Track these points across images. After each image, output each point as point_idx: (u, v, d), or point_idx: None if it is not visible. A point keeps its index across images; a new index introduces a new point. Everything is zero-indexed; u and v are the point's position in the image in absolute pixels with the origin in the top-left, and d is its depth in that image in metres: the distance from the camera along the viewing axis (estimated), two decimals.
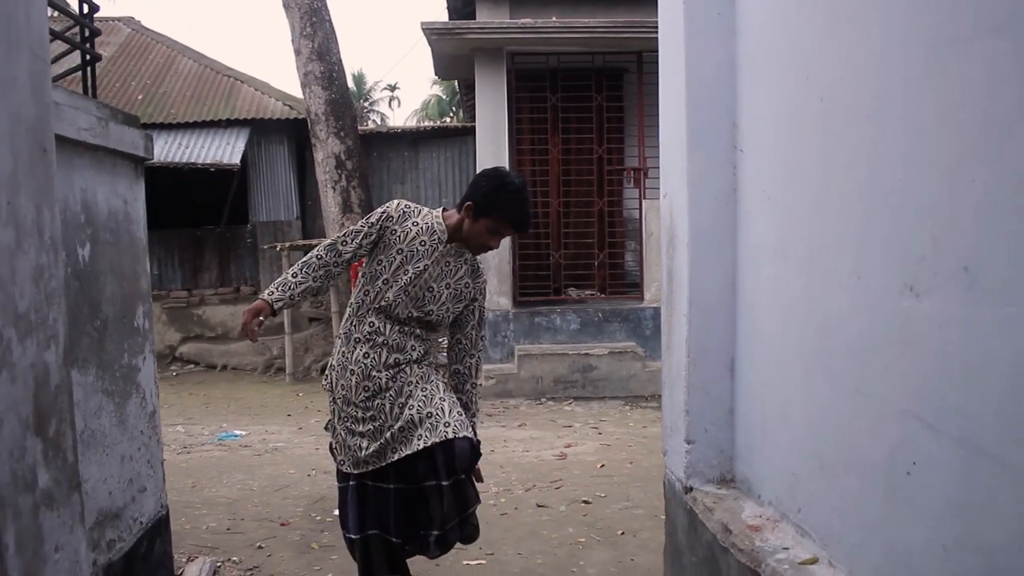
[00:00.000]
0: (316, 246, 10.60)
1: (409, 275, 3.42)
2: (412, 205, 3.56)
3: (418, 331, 3.52)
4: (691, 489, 3.39)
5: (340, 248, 3.48)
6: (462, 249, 3.54)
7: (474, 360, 3.67)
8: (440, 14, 16.16)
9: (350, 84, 15.13)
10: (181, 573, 4.04)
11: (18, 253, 1.46)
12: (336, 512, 5.71)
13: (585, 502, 5.80)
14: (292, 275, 3.46)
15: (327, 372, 3.64)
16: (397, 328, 3.45)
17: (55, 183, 1.61)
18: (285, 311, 11.92)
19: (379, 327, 3.44)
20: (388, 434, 3.40)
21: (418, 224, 3.48)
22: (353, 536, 3.63)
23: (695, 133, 3.32)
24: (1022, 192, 1.61)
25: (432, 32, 9.73)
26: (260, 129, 13.44)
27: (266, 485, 6.64)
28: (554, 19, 10.07)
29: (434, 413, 3.39)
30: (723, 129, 3.30)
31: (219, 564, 4.68)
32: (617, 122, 10.48)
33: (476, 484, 3.61)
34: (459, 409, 3.49)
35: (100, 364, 2.71)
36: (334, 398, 3.58)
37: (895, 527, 2.14)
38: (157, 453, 3.20)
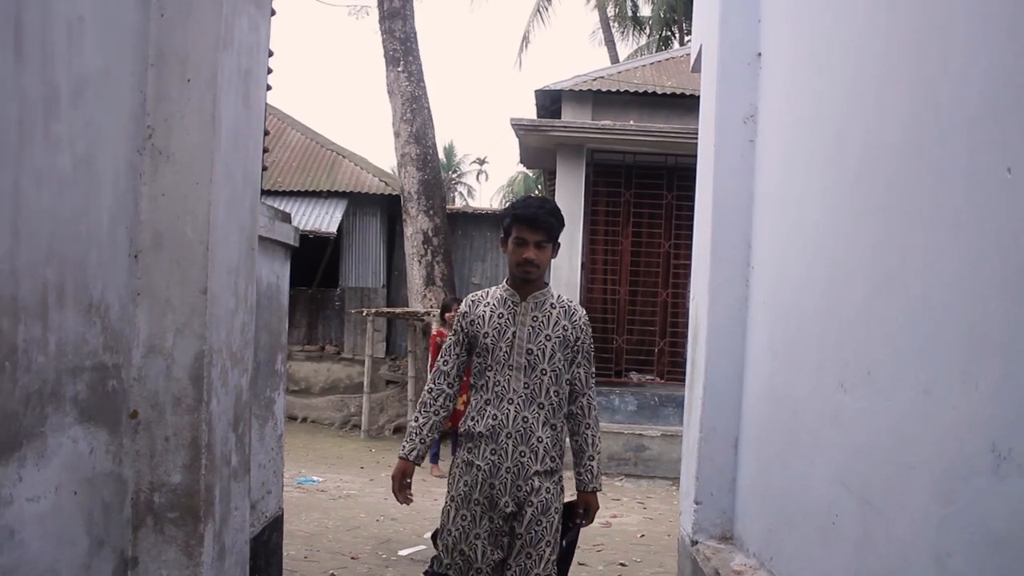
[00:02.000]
0: (399, 313, 11.34)
1: (503, 349, 3.36)
2: (477, 293, 3.58)
3: (543, 408, 3.37)
4: (696, 543, 4.11)
5: (444, 369, 3.49)
6: (542, 298, 3.44)
7: (585, 399, 3.50)
8: (528, 101, 17.29)
9: (440, 155, 16.26)
10: None
11: (235, 314, 2.35)
12: (403, 552, 6.52)
13: (621, 564, 6.45)
14: (415, 420, 3.47)
15: (451, 468, 3.51)
16: (522, 416, 3.32)
17: (254, 268, 2.51)
18: (366, 374, 13.00)
19: (502, 419, 3.33)
20: (505, 540, 3.32)
21: (488, 303, 3.47)
22: None
23: (717, 251, 4.13)
24: (906, 324, 2.41)
25: (520, 128, 10.73)
26: (356, 201, 14.58)
27: (339, 525, 7.43)
28: (632, 122, 10.99)
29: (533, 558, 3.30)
30: (740, 249, 4.10)
31: None
32: (686, 219, 11.23)
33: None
34: (553, 559, 3.35)
35: (253, 395, 3.53)
36: (452, 496, 3.40)
37: (827, 562, 2.87)
38: (280, 466, 4.03)
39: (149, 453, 2.26)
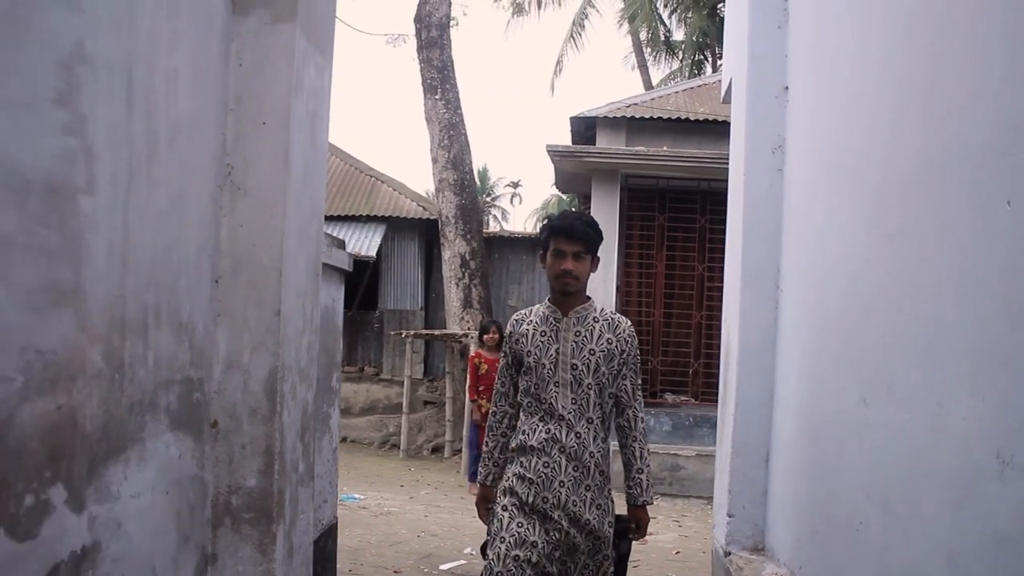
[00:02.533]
0: (437, 335, 11.56)
1: (547, 367, 3.34)
2: (521, 312, 3.57)
3: (592, 423, 3.35)
4: (729, 554, 4.28)
5: (503, 391, 3.52)
6: (584, 312, 3.42)
7: (632, 411, 3.46)
8: (561, 125, 17.54)
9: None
10: None
11: (303, 334, 2.59)
12: (444, 567, 6.73)
13: None
14: (486, 445, 3.53)
15: (501, 484, 3.46)
16: (574, 432, 3.31)
17: (319, 292, 2.75)
18: (405, 395, 13.25)
19: (555, 433, 3.31)
20: (557, 554, 3.29)
21: (532, 321, 3.46)
22: None
23: (747, 275, 4.33)
24: (920, 344, 2.60)
25: (556, 154, 10.98)
26: (394, 225, 14.90)
27: (381, 540, 7.66)
28: (665, 148, 11.20)
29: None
30: (769, 273, 4.29)
31: None
32: (719, 243, 11.41)
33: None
34: None
35: (315, 409, 3.80)
36: (504, 505, 3.37)
37: (852, 568, 3.04)
38: (335, 478, 4.26)
39: (228, 459, 2.50)
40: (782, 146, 4.36)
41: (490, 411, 3.56)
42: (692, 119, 11.72)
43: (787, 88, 4.37)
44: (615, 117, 11.93)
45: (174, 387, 2.26)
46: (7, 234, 1.53)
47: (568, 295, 3.41)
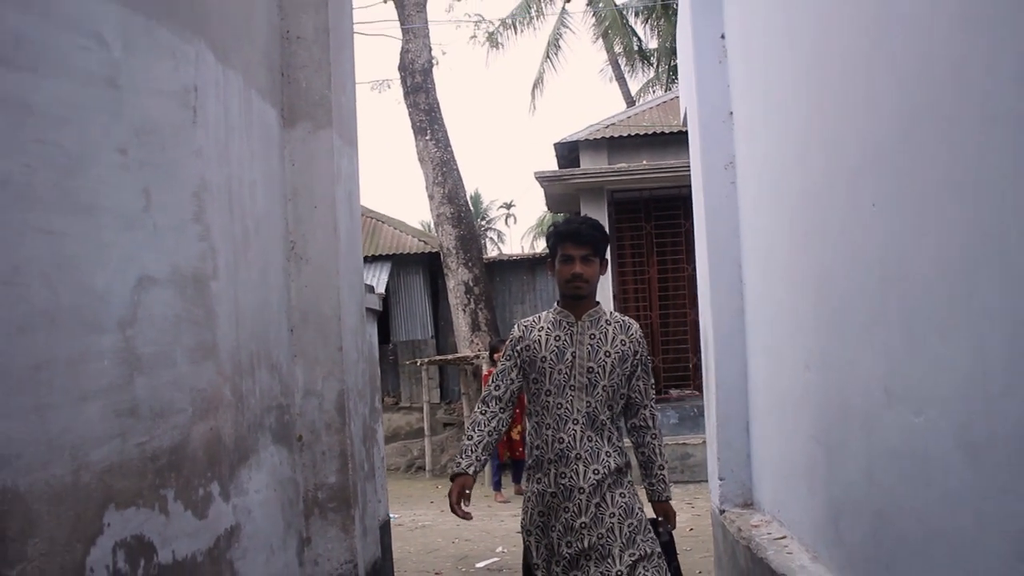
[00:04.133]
0: (450, 360, 12.30)
1: (563, 371, 3.35)
2: (529, 319, 3.56)
3: (605, 426, 3.39)
4: (724, 511, 5.02)
5: (496, 393, 3.45)
6: (596, 315, 3.45)
7: (648, 411, 3.52)
8: (546, 144, 18.30)
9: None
10: None
11: (358, 363, 3.37)
12: (479, 565, 7.46)
13: None
14: (468, 439, 3.43)
15: (523, 504, 3.50)
16: (587, 436, 3.33)
17: (365, 329, 3.52)
18: (425, 419, 13.97)
19: (569, 441, 3.32)
20: (590, 564, 3.26)
21: (543, 327, 3.44)
22: None
23: (714, 273, 5.09)
24: (837, 319, 3.36)
25: (544, 179, 11.79)
26: (399, 262, 15.69)
27: (420, 550, 8.39)
28: (644, 162, 12.00)
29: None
30: (732, 270, 5.05)
31: None
32: None
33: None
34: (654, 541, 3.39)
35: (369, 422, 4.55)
36: (528, 530, 3.43)
37: (809, 501, 3.78)
38: (384, 481, 5.01)
39: (312, 464, 3.26)
40: (732, 162, 5.13)
41: (477, 408, 3.48)
42: (668, 132, 12.51)
43: (732, 113, 5.15)
44: (596, 139, 12.74)
45: (272, 411, 3.02)
46: (177, 312, 2.30)
47: (579, 299, 3.43)
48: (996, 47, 1.95)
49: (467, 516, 3.33)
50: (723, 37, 5.13)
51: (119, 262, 2.02)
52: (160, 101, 2.28)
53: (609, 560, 3.23)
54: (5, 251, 1.62)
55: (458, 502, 3.33)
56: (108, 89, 2.02)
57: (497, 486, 11.22)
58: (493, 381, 3.49)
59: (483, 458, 3.39)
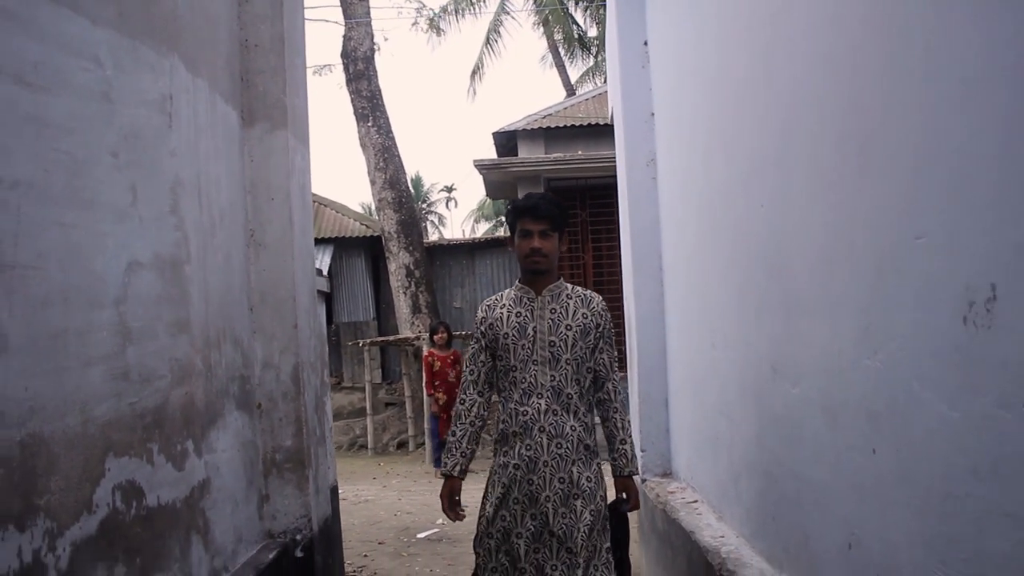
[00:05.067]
0: (391, 341, 12.60)
1: (525, 346, 3.35)
2: (491, 298, 3.56)
3: (572, 398, 3.36)
4: (645, 480, 5.49)
5: (471, 378, 3.49)
6: (557, 290, 3.45)
7: (611, 384, 3.50)
8: (485, 128, 18.66)
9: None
10: None
11: (310, 339, 3.75)
12: (420, 535, 7.87)
13: None
14: (452, 435, 3.47)
15: (488, 475, 3.49)
16: (552, 409, 3.32)
17: (316, 309, 3.89)
18: (367, 399, 14.32)
19: (533, 414, 3.31)
20: (551, 540, 3.26)
21: (504, 304, 3.45)
22: None
23: (636, 262, 5.55)
24: (730, 306, 3.82)
25: (483, 167, 12.18)
26: (341, 245, 15.97)
27: (363, 521, 8.78)
28: (580, 152, 12.45)
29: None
30: (653, 260, 5.51)
31: None
32: None
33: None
34: (607, 545, 3.38)
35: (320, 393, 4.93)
36: (490, 500, 3.39)
37: (715, 466, 4.26)
38: (332, 449, 5.35)
39: (270, 428, 3.63)
40: (653, 160, 5.58)
41: (458, 399, 3.52)
42: (603, 124, 12.96)
43: (653, 114, 5.59)
44: (533, 129, 13.15)
45: (235, 381, 3.38)
46: (159, 292, 2.65)
47: (539, 274, 3.43)
48: (848, 83, 2.42)
49: (460, 517, 3.46)
50: (646, 44, 5.57)
51: (113, 249, 2.38)
52: (143, 110, 2.63)
53: (571, 548, 3.23)
54: (31, 240, 1.97)
55: (449, 508, 3.43)
56: (103, 102, 2.38)
57: (438, 463, 11.63)
58: (468, 366, 3.53)
59: (468, 451, 3.43)
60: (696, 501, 4.65)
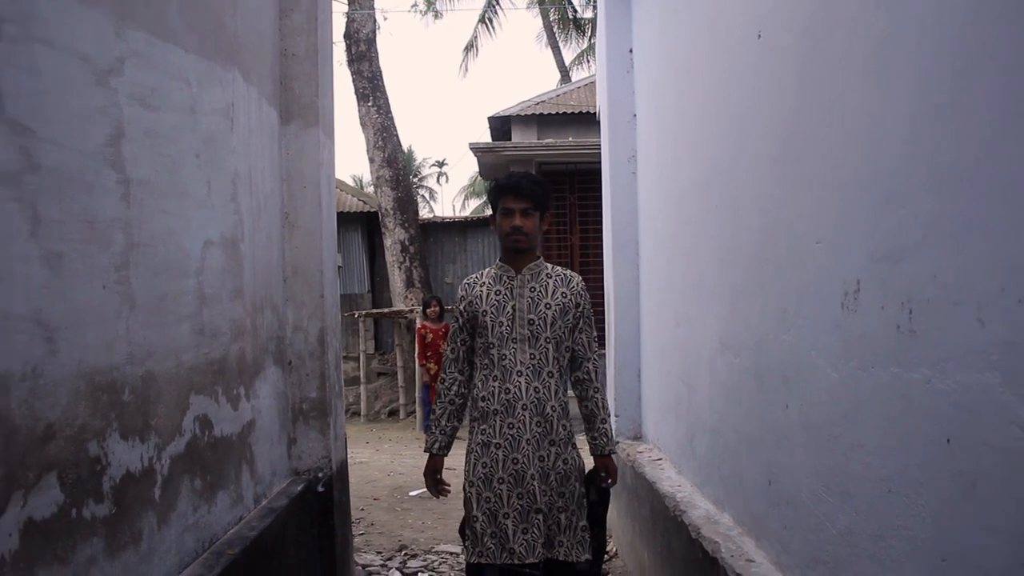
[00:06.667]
0: (386, 313, 13.22)
1: (504, 324, 3.35)
2: (472, 276, 3.57)
3: (552, 376, 3.37)
4: (618, 443, 6.16)
5: (452, 356, 3.51)
6: (537, 269, 3.45)
7: (591, 363, 3.53)
8: (482, 104, 19.12)
9: None
10: None
11: (333, 307, 4.39)
12: (412, 493, 8.55)
13: None
14: (433, 413, 3.50)
15: (466, 455, 3.46)
16: (533, 387, 3.32)
17: (336, 282, 4.52)
18: (361, 368, 14.95)
19: (515, 392, 3.31)
20: (537, 517, 3.27)
21: (484, 283, 3.46)
22: None
23: (616, 246, 6.19)
24: (698, 288, 4.48)
25: (478, 150, 12.79)
26: (339, 220, 16.47)
27: (359, 480, 9.42)
28: (570, 138, 13.07)
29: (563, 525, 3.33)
30: (631, 245, 6.15)
31: None
32: None
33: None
34: (583, 523, 3.40)
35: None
36: (471, 481, 3.37)
37: (676, 430, 4.92)
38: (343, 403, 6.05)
39: (299, 383, 4.27)
40: (634, 156, 6.21)
41: (440, 377, 3.54)
42: (593, 112, 13.56)
43: (635, 115, 6.22)
44: (527, 115, 13.75)
45: (273, 341, 4.02)
46: (223, 266, 3.29)
47: (520, 252, 3.42)
48: (783, 117, 3.09)
49: (445, 493, 3.51)
50: (631, 51, 6.19)
51: (195, 231, 3.02)
52: (214, 117, 3.26)
53: (552, 526, 3.30)
54: (148, 225, 2.61)
55: (434, 485, 3.48)
56: (190, 114, 3.00)
57: (427, 429, 12.31)
58: (449, 343, 3.54)
59: (448, 428, 3.48)
60: (660, 459, 5.32)
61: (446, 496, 3.51)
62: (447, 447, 3.48)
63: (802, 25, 2.75)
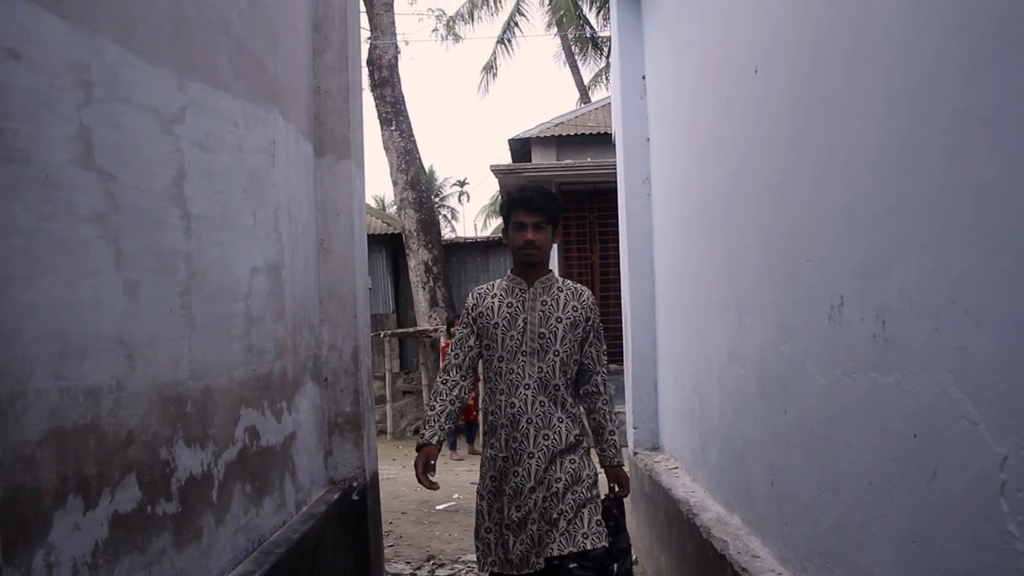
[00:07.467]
0: (410, 332, 13.54)
1: (515, 337, 3.36)
2: (483, 286, 3.58)
3: (558, 390, 3.38)
4: (636, 453, 6.42)
5: (455, 362, 3.49)
6: (548, 282, 3.46)
7: (600, 377, 3.53)
8: (502, 125, 19.47)
9: None
10: None
11: (365, 326, 4.69)
12: (439, 507, 8.81)
13: None
14: (431, 409, 3.46)
15: (480, 468, 3.51)
16: (539, 401, 3.33)
17: (368, 303, 4.83)
18: (387, 387, 15.24)
19: (520, 406, 3.32)
20: (534, 527, 3.26)
21: (496, 294, 3.47)
22: None
23: (632, 265, 6.46)
24: (705, 305, 4.75)
25: (499, 172, 13.10)
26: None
27: (386, 495, 9.66)
28: (589, 159, 13.36)
29: (575, 523, 3.27)
30: (646, 263, 6.42)
31: None
32: None
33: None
34: (598, 518, 3.34)
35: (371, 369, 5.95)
36: (481, 494, 3.43)
37: (690, 438, 5.18)
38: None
39: (334, 398, 4.57)
40: (648, 178, 6.48)
41: (439, 378, 3.51)
42: (611, 133, 13.87)
43: (648, 139, 6.50)
44: (546, 136, 14.06)
45: (311, 359, 4.33)
46: (268, 290, 3.60)
47: (531, 266, 3.44)
48: (781, 148, 3.37)
49: (433, 486, 3.36)
50: (644, 78, 6.48)
51: (243, 259, 3.34)
52: (259, 155, 3.58)
53: (551, 525, 3.25)
54: (205, 255, 2.92)
55: (424, 472, 3.34)
56: (238, 153, 3.32)
57: (452, 445, 12.59)
58: (452, 350, 3.52)
59: (446, 427, 3.41)
60: (676, 468, 5.57)
61: (435, 489, 3.41)
62: (443, 441, 3.42)
63: (792, 63, 3.04)
